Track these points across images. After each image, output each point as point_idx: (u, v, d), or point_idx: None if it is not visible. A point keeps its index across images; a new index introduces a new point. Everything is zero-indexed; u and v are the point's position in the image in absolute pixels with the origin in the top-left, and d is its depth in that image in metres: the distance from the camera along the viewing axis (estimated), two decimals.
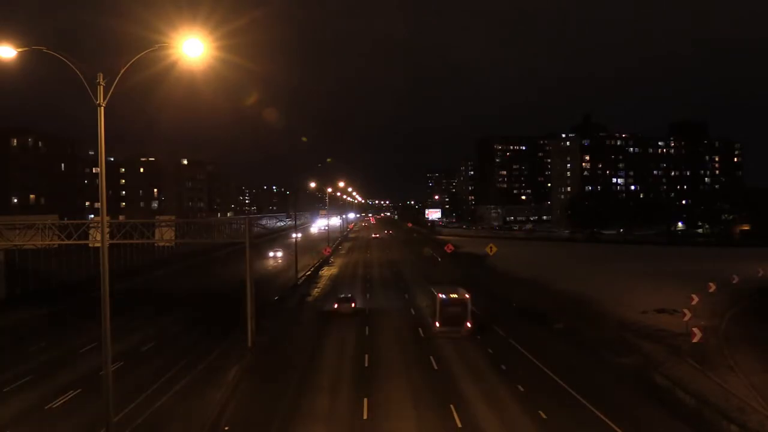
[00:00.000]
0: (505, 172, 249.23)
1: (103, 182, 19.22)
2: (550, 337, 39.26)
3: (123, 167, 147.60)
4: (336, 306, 47.65)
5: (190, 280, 72.58)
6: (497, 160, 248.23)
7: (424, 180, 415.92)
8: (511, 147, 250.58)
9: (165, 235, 41.86)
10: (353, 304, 47.43)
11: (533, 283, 65.09)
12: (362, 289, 62.99)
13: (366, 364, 33.06)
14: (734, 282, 58.93)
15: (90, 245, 42.23)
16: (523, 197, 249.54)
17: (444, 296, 38.81)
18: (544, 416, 24.21)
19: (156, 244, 68.24)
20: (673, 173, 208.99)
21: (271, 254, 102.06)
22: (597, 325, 41.39)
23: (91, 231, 39.96)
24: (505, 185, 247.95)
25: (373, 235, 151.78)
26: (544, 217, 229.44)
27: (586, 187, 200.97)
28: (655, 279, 65.81)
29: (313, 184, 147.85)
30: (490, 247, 69.81)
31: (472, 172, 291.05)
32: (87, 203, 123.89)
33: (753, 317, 45.37)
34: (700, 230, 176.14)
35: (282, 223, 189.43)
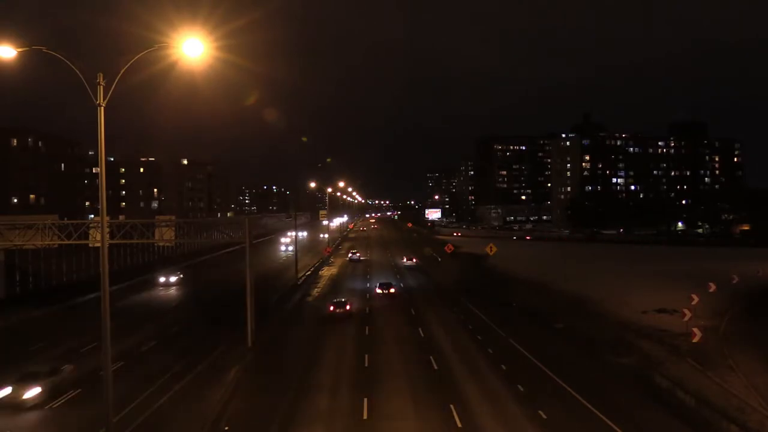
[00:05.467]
0: (505, 172, 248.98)
1: (103, 182, 19.22)
2: (550, 337, 39.24)
3: (123, 167, 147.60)
4: (331, 308, 47.14)
5: (189, 280, 72.49)
6: (497, 160, 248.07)
7: (424, 180, 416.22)
8: (511, 147, 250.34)
9: (165, 235, 41.82)
10: (348, 307, 47.34)
11: (533, 283, 65.12)
12: (362, 289, 62.99)
13: (366, 364, 33.06)
14: (734, 282, 58.91)
15: (90, 245, 42.20)
16: (523, 197, 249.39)
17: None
18: (544, 416, 24.20)
19: (156, 245, 68.30)
20: (673, 173, 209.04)
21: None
22: (597, 325, 41.41)
23: (91, 231, 39.93)
24: (505, 185, 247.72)
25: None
26: (544, 217, 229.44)
27: (586, 187, 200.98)
28: (655, 279, 65.83)
29: (313, 184, 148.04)
30: (490, 247, 69.74)
31: (472, 172, 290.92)
32: (87, 203, 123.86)
33: (753, 317, 45.37)
34: (700, 230, 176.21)
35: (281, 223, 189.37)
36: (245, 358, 33.87)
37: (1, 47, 17.70)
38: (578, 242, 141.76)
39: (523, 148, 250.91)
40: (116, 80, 18.27)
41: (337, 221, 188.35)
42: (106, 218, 20.30)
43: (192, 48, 18.37)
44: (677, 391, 26.23)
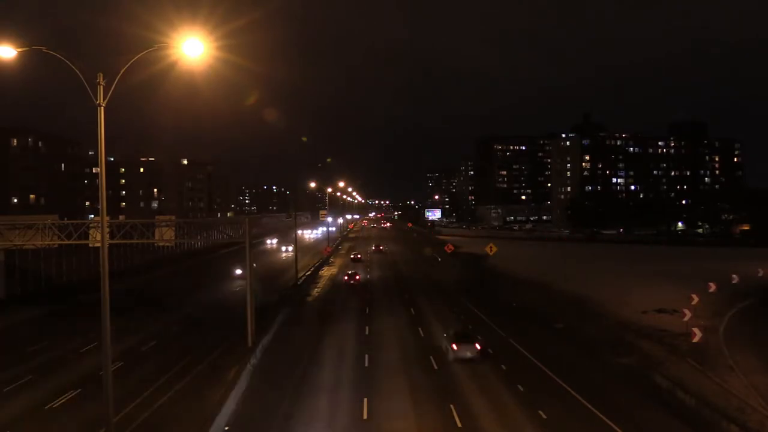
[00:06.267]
0: (505, 172, 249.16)
1: (103, 182, 19.21)
2: (550, 337, 39.24)
3: (123, 167, 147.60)
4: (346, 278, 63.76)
5: (190, 280, 72.57)
6: (497, 160, 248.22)
7: (424, 180, 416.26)
8: (511, 147, 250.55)
9: (165, 235, 41.84)
10: (358, 277, 64.23)
11: (533, 283, 65.14)
12: (362, 290, 62.97)
13: (366, 364, 33.05)
14: (734, 282, 58.93)
15: (90, 245, 42.23)
16: (523, 197, 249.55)
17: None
18: (544, 416, 24.20)
19: (156, 245, 68.33)
20: (673, 173, 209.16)
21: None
22: (597, 325, 41.42)
23: (91, 231, 39.96)
24: (505, 185, 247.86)
25: None
26: (544, 217, 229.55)
27: (586, 187, 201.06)
28: (655, 279, 65.85)
29: (313, 184, 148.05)
30: (490, 247, 69.73)
31: (472, 172, 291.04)
32: (87, 203, 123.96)
33: (753, 317, 45.39)
34: (700, 230, 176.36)
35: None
36: (245, 358, 33.86)
37: (1, 47, 17.70)
38: (578, 242, 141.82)
39: (523, 148, 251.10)
40: (116, 80, 18.26)
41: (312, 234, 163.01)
42: (106, 218, 20.30)
43: (192, 48, 18.36)
44: (677, 391, 26.23)
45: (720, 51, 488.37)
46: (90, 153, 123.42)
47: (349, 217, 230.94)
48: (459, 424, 23.63)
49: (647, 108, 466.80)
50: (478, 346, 33.41)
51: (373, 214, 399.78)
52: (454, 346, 33.30)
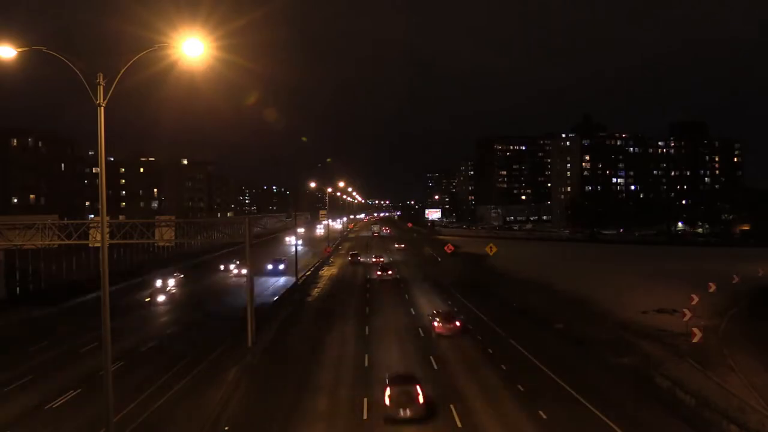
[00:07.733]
0: (505, 172, 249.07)
1: (103, 182, 19.20)
2: (550, 337, 39.23)
3: (123, 167, 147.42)
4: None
5: (189, 280, 72.45)
6: (497, 160, 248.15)
7: (424, 180, 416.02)
8: (511, 147, 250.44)
9: (165, 235, 41.80)
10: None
11: (533, 283, 65.09)
12: (362, 290, 62.97)
13: (366, 364, 33.05)
14: (734, 282, 58.95)
15: (90, 245, 42.19)
16: (523, 197, 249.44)
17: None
18: (544, 416, 24.20)
19: (156, 245, 68.26)
20: (673, 173, 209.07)
21: (232, 267, 78.11)
22: (597, 325, 41.40)
23: (91, 231, 39.92)
24: (505, 185, 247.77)
25: None
26: (544, 217, 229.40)
27: (586, 187, 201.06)
28: (655, 279, 65.84)
29: (313, 184, 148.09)
30: (490, 247, 69.75)
31: (472, 172, 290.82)
32: (87, 203, 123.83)
33: (753, 317, 45.38)
34: (700, 230, 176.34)
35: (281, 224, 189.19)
36: (245, 358, 33.87)
37: (1, 47, 17.69)
38: (578, 242, 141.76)
39: (523, 148, 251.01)
40: (116, 80, 18.25)
41: None
42: (106, 218, 20.29)
43: (192, 48, 18.36)
44: (677, 391, 26.23)
45: (719, 51, 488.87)
46: (90, 153, 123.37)
47: (347, 218, 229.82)
48: (459, 424, 23.64)
49: (647, 108, 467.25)
50: (457, 324, 39.55)
51: (363, 216, 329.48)
52: (436, 324, 39.67)
